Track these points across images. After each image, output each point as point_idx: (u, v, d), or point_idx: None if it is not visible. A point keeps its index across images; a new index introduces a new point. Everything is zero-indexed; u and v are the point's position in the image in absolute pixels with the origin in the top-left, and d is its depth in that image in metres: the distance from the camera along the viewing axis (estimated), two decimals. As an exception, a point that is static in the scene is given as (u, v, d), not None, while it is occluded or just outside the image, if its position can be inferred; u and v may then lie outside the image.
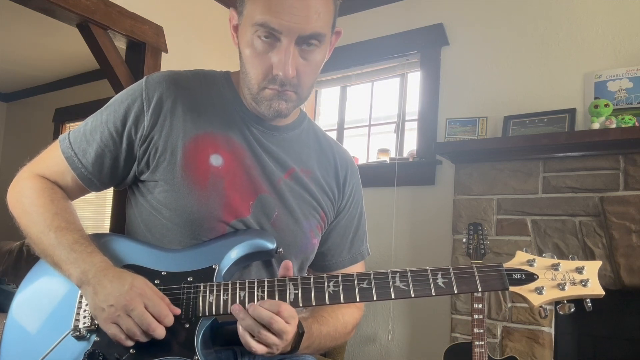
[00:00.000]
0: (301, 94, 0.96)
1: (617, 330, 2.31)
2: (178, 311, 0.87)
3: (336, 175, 1.12)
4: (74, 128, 1.05)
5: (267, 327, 0.83)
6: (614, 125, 2.21)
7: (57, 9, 2.39)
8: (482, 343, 2.03)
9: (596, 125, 2.25)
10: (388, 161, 3.06)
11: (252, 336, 0.85)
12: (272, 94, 0.94)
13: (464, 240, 2.17)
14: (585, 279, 0.86)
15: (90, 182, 1.02)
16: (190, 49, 3.04)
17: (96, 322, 0.89)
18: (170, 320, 0.85)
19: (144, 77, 1.02)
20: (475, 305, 2.07)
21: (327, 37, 0.95)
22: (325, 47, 0.96)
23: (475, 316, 2.06)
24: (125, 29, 2.65)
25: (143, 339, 0.84)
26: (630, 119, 2.20)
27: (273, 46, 0.90)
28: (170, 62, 2.86)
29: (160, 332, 0.84)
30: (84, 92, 4.67)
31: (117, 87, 2.67)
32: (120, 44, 2.78)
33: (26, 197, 0.99)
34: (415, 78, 3.16)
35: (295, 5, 0.87)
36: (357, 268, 1.15)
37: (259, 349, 0.84)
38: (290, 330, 0.85)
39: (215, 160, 0.98)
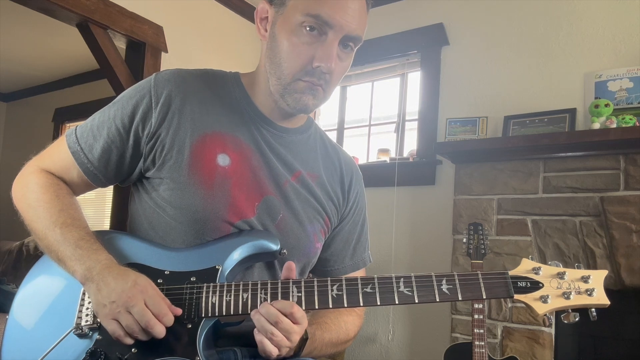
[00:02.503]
0: (327, 92, 0.99)
1: (617, 330, 2.31)
2: (179, 312, 0.87)
3: (341, 181, 1.12)
4: (79, 124, 1.05)
5: (274, 326, 0.84)
6: (614, 125, 2.21)
7: (57, 8, 2.39)
8: (483, 343, 2.03)
9: (596, 125, 2.25)
10: (388, 161, 3.07)
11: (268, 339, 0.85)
12: (304, 87, 0.95)
13: (464, 241, 2.17)
14: (591, 288, 0.85)
15: (96, 177, 1.02)
16: (190, 49, 3.04)
17: (98, 320, 0.88)
18: (169, 320, 0.84)
19: (153, 74, 1.01)
20: (476, 306, 2.07)
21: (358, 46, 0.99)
22: (353, 55, 1.00)
23: (476, 316, 2.06)
24: (125, 29, 2.65)
25: (142, 336, 0.83)
26: (630, 119, 2.20)
27: (317, 39, 0.93)
28: (170, 62, 2.86)
29: (159, 330, 0.83)
30: (83, 92, 4.67)
31: (117, 87, 2.67)
32: (120, 44, 2.78)
33: (32, 192, 0.99)
34: (415, 78, 3.16)
35: (350, 6, 0.93)
36: (358, 275, 1.15)
37: (274, 352, 0.84)
38: (298, 330, 0.85)
39: (223, 160, 0.98)
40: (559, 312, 0.87)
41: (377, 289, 0.87)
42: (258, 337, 0.85)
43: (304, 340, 0.92)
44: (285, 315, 0.84)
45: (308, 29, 0.92)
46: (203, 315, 0.88)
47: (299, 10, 0.93)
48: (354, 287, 0.88)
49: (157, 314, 0.83)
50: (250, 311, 0.87)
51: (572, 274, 0.87)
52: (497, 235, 2.47)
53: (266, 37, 0.99)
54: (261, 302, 0.87)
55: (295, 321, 0.85)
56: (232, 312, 0.87)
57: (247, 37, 3.37)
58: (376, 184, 2.95)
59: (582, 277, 0.86)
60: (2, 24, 3.68)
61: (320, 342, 0.98)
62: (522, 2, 2.70)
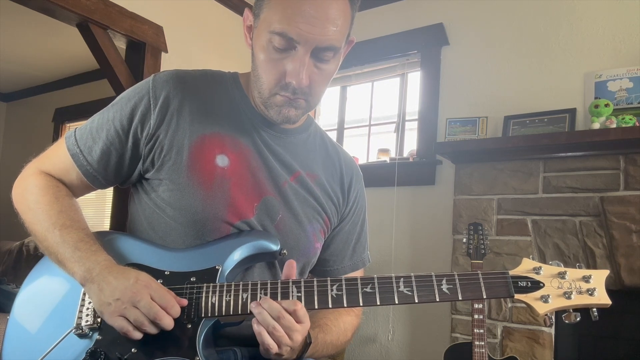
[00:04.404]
0: (311, 102, 0.97)
1: (617, 330, 2.31)
2: (185, 302, 0.87)
3: (341, 181, 1.12)
4: (75, 127, 1.05)
5: (276, 321, 0.83)
6: (614, 125, 2.21)
7: (57, 9, 2.39)
8: (483, 343, 2.03)
9: (596, 125, 2.25)
10: (388, 161, 3.07)
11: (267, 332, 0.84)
12: (282, 101, 0.94)
13: (464, 241, 2.17)
14: (592, 288, 0.85)
15: (95, 179, 1.02)
16: (190, 49, 3.04)
17: (99, 320, 0.89)
18: (177, 311, 0.85)
19: (152, 76, 1.01)
20: (476, 306, 2.07)
21: (342, 49, 0.96)
22: (339, 57, 0.97)
23: (476, 316, 2.06)
24: (125, 29, 2.65)
25: (151, 329, 0.83)
26: (630, 119, 2.20)
27: (288, 53, 0.90)
28: (170, 62, 2.86)
29: (167, 322, 0.83)
30: (84, 92, 4.67)
31: (117, 87, 2.67)
32: (120, 44, 2.78)
33: (31, 194, 0.99)
34: (415, 78, 3.16)
35: (315, 16, 0.87)
36: (357, 275, 1.15)
37: (273, 346, 0.84)
38: (300, 329, 0.85)
39: (221, 160, 0.98)
40: (559, 312, 0.87)
41: (376, 289, 0.87)
42: (257, 328, 0.84)
43: (307, 344, 0.91)
44: (289, 313, 0.84)
45: (278, 44, 0.89)
46: (203, 315, 0.88)
47: (265, 28, 0.91)
48: (354, 287, 0.88)
49: (164, 305, 0.84)
50: (250, 311, 0.87)
51: (573, 273, 0.87)
52: (497, 235, 2.47)
53: (251, 45, 0.99)
54: (250, 304, 0.86)
55: (298, 320, 0.85)
56: (231, 312, 0.87)
57: (247, 37, 3.36)
58: (376, 184, 2.95)
59: (583, 277, 0.86)
60: (2, 24, 3.68)
61: (322, 344, 0.98)
62: (522, 2, 2.70)
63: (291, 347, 0.86)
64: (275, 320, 0.83)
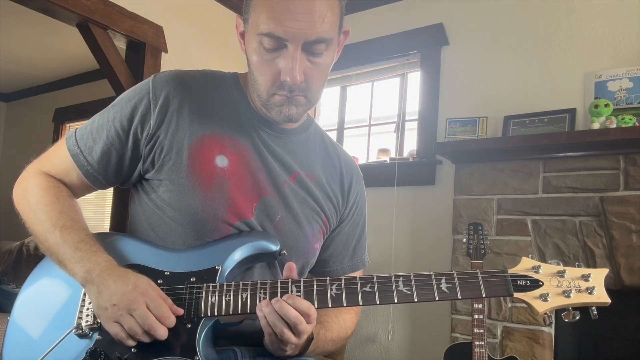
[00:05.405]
0: (311, 97, 0.96)
1: (617, 330, 2.31)
2: (181, 312, 0.87)
3: (341, 182, 1.12)
4: (75, 127, 1.05)
5: (291, 327, 0.83)
6: (614, 125, 2.21)
7: (57, 9, 2.39)
8: (482, 343, 2.03)
9: (596, 125, 2.25)
10: (388, 161, 3.07)
11: (273, 331, 0.85)
12: (281, 100, 0.94)
13: (464, 240, 2.17)
14: (591, 286, 0.85)
15: (96, 179, 1.03)
16: (190, 49, 3.04)
17: (99, 320, 0.89)
18: (171, 322, 0.85)
19: (152, 76, 1.02)
20: (476, 305, 2.07)
21: (335, 40, 0.95)
22: (334, 48, 0.96)
23: (476, 316, 2.06)
24: (125, 29, 2.65)
25: (145, 338, 0.84)
26: (630, 119, 2.20)
27: (279, 52, 0.91)
28: (170, 62, 2.86)
29: (161, 333, 0.83)
30: (84, 92, 4.67)
31: (117, 87, 2.67)
32: (120, 44, 2.78)
33: (32, 194, 1.00)
34: (415, 78, 3.16)
35: (299, 11, 0.87)
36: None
37: (277, 347, 0.84)
38: (309, 331, 0.86)
39: (221, 161, 0.98)
40: (559, 311, 0.87)
41: (376, 288, 0.87)
42: (267, 329, 0.85)
43: (309, 340, 0.92)
44: (303, 317, 0.84)
45: (268, 45, 0.90)
46: (202, 315, 0.88)
47: (254, 31, 0.91)
48: (353, 286, 0.88)
49: (159, 316, 0.84)
50: (250, 311, 0.87)
51: (572, 272, 0.87)
52: (497, 235, 2.47)
53: (245, 51, 0.99)
54: (260, 302, 0.87)
55: (309, 322, 0.85)
56: (231, 312, 0.88)
57: (247, 37, 3.36)
58: (376, 184, 2.95)
59: (583, 276, 0.86)
60: (2, 24, 3.68)
61: (323, 341, 0.98)
62: (522, 2, 2.70)
63: (296, 344, 0.87)
64: (291, 327, 0.83)
